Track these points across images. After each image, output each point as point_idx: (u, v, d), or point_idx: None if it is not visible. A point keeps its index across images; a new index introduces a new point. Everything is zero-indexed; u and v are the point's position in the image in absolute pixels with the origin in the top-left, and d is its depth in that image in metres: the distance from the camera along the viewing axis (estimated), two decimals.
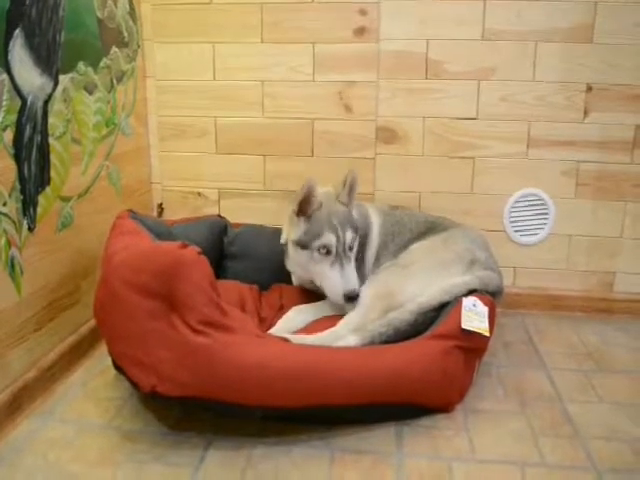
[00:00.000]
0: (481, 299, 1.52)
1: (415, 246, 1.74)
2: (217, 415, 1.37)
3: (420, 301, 1.53)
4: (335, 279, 1.61)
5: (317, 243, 1.61)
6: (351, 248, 1.66)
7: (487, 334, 1.46)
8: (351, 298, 1.59)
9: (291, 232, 1.68)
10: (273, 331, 1.60)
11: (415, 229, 1.80)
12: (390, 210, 1.89)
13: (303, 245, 1.64)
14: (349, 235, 1.63)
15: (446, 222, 1.83)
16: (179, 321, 1.28)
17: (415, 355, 1.42)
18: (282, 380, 1.29)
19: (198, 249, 1.35)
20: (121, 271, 1.36)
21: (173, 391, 1.28)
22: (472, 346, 1.48)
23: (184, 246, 1.35)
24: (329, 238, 1.60)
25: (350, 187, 1.68)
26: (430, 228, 1.80)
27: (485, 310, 1.49)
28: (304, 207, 1.63)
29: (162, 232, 1.70)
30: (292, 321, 1.65)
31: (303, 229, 1.64)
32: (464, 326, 1.43)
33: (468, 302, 1.49)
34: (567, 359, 1.74)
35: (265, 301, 1.84)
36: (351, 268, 1.63)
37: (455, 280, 1.57)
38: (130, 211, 1.69)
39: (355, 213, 1.74)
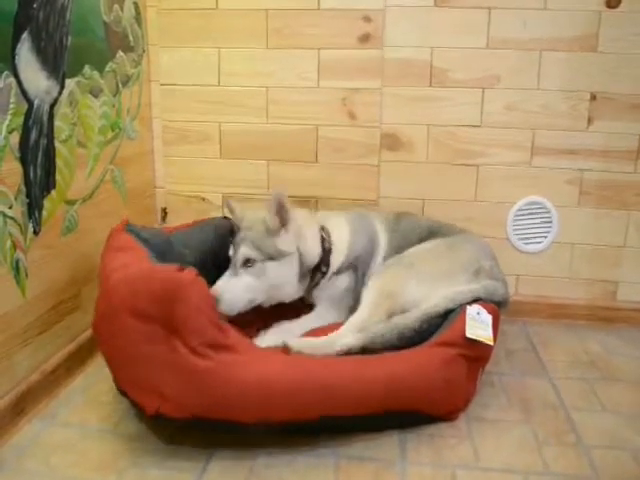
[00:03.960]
0: (485, 308, 1.52)
1: (420, 246, 1.73)
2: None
3: (425, 307, 1.53)
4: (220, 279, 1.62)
5: None
6: (247, 264, 1.60)
7: (491, 343, 1.46)
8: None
9: None
10: (262, 341, 1.58)
11: (417, 237, 1.79)
12: (395, 222, 1.86)
13: None
14: (242, 250, 1.60)
15: (452, 228, 1.83)
16: (180, 344, 1.27)
17: (418, 363, 1.41)
18: (284, 396, 1.28)
19: (195, 271, 1.34)
20: (120, 292, 1.35)
21: (177, 412, 1.27)
22: (476, 354, 1.48)
23: (181, 269, 1.34)
24: (230, 250, 1.66)
25: (276, 208, 1.61)
26: (433, 232, 1.79)
27: (489, 319, 1.49)
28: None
29: (160, 242, 1.68)
30: (280, 333, 1.62)
31: None
32: (468, 334, 1.43)
33: (472, 310, 1.49)
34: (570, 368, 1.74)
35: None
36: (234, 280, 1.59)
37: (460, 288, 1.56)
38: (126, 223, 1.65)
39: (350, 234, 1.76)
